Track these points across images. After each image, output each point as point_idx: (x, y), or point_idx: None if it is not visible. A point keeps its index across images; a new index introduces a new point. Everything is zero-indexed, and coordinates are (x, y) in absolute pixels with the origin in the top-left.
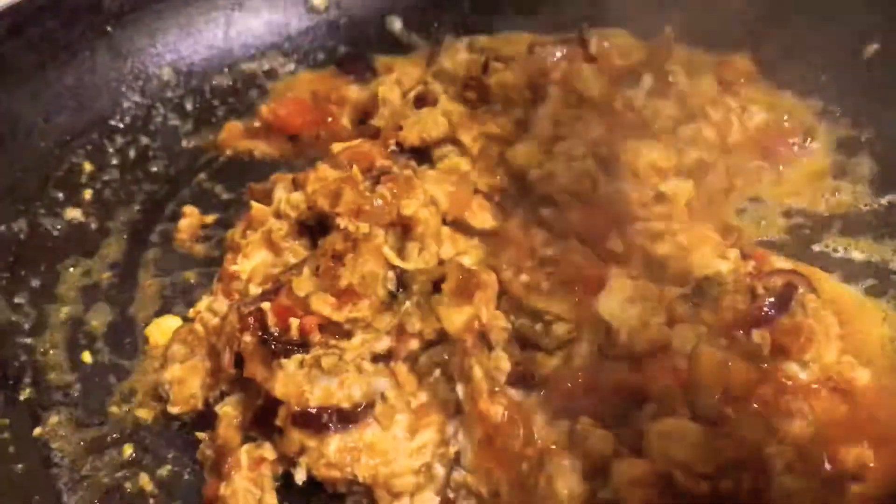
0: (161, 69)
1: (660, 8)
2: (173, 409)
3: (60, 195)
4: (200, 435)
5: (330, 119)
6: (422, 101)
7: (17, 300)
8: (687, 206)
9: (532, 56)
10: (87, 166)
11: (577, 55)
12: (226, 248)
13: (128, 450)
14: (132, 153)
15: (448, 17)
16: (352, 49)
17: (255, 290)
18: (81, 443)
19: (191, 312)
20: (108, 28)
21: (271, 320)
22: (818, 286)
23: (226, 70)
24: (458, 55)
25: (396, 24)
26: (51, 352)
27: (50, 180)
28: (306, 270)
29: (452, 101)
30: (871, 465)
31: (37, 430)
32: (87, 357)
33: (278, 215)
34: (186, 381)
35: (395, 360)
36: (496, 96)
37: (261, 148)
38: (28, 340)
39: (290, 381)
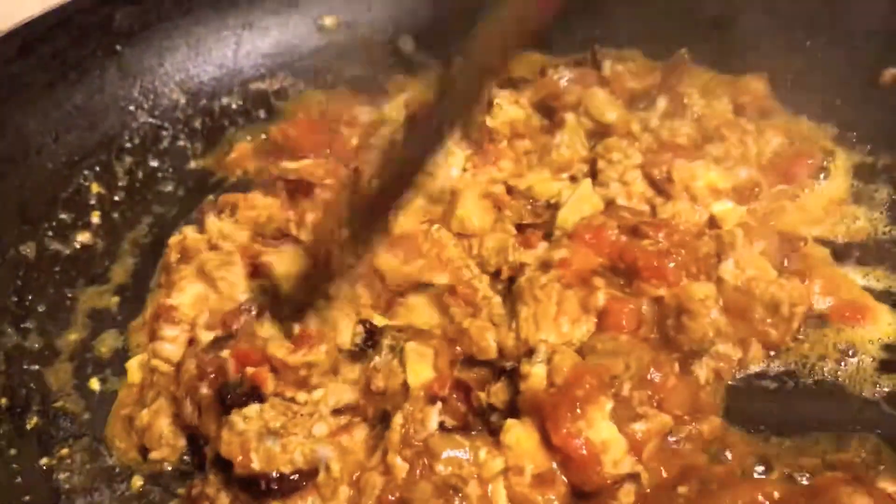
0: (170, 89)
1: (673, 29)
2: (154, 456)
3: (69, 217)
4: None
5: (339, 141)
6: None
7: (24, 325)
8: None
9: (544, 79)
10: (96, 187)
11: (590, 77)
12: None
13: (137, 482)
14: (141, 174)
15: (460, 38)
16: (363, 69)
17: (205, 335)
18: (90, 474)
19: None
20: (118, 47)
21: (231, 367)
22: None
23: (235, 90)
24: None
25: (408, 45)
26: (59, 379)
27: (58, 202)
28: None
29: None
30: None
31: (44, 460)
32: (94, 384)
33: (211, 245)
34: (154, 426)
35: (356, 417)
36: (501, 135)
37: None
38: (36, 367)
39: (235, 439)
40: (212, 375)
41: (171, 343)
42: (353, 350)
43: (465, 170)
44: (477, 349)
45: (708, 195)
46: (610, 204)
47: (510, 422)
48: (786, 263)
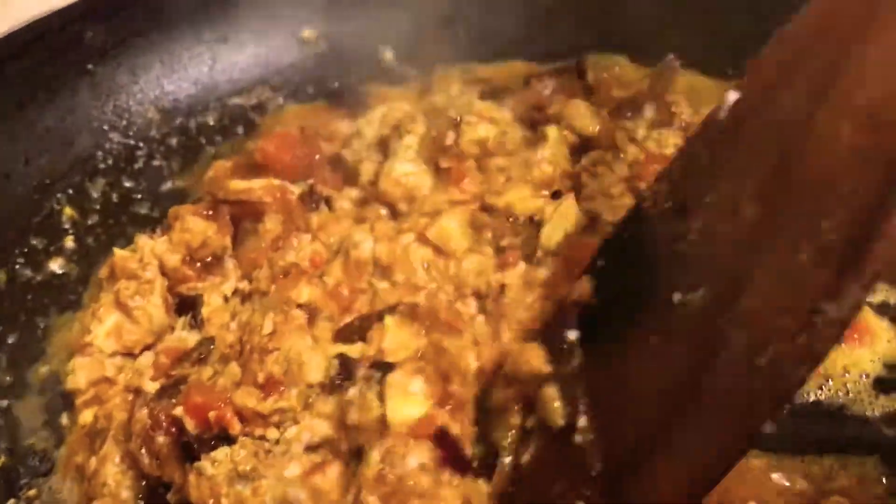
0: (145, 107)
1: (661, 33)
2: None
3: (41, 243)
4: None
5: (318, 156)
6: (385, 144)
7: None
8: None
9: (527, 90)
10: (69, 211)
11: (574, 87)
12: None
13: None
14: (115, 196)
15: (441, 47)
16: (343, 81)
17: (150, 385)
18: None
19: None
20: (90, 66)
21: (189, 423)
22: None
23: (212, 106)
24: (450, 88)
25: (388, 56)
26: (29, 414)
27: (30, 227)
28: (232, 366)
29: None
30: None
31: (10, 502)
32: (65, 419)
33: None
34: (100, 473)
35: (331, 455)
36: (467, 154)
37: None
38: (5, 402)
39: (204, 484)
40: (166, 425)
41: (81, 371)
42: (327, 383)
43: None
44: (455, 370)
45: None
46: (595, 220)
47: None
48: None
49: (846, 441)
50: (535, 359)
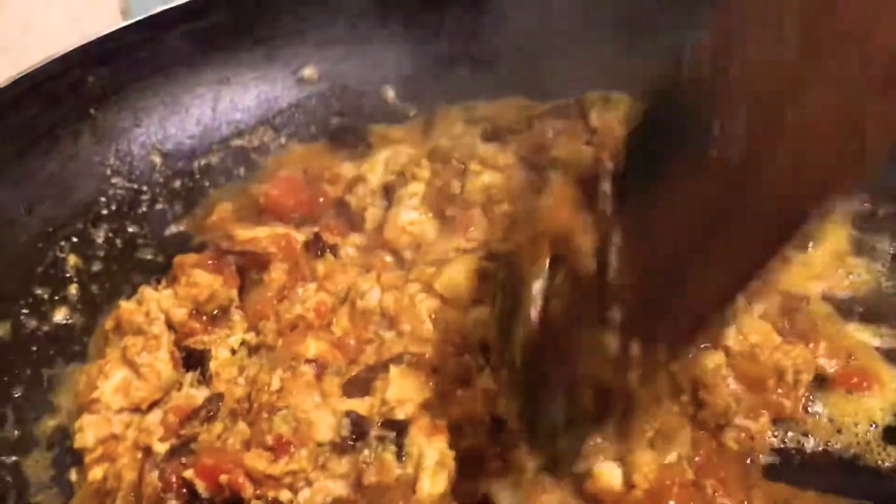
0: (147, 150)
1: (663, 67)
2: None
3: (45, 292)
4: None
5: (322, 200)
6: (390, 191)
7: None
8: None
9: (531, 131)
10: (73, 259)
11: (577, 128)
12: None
13: None
14: (119, 242)
15: (443, 86)
16: (344, 121)
17: (160, 446)
18: None
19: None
20: (91, 111)
21: (200, 486)
22: None
23: (214, 148)
24: (453, 128)
25: (390, 94)
26: (37, 470)
27: (34, 277)
28: (240, 425)
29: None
30: None
31: None
32: (74, 475)
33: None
34: None
35: None
36: (472, 202)
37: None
38: (13, 458)
39: None
40: (177, 488)
41: (89, 428)
42: (339, 443)
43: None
44: (468, 421)
45: None
46: None
47: None
48: (786, 325)
49: (861, 492)
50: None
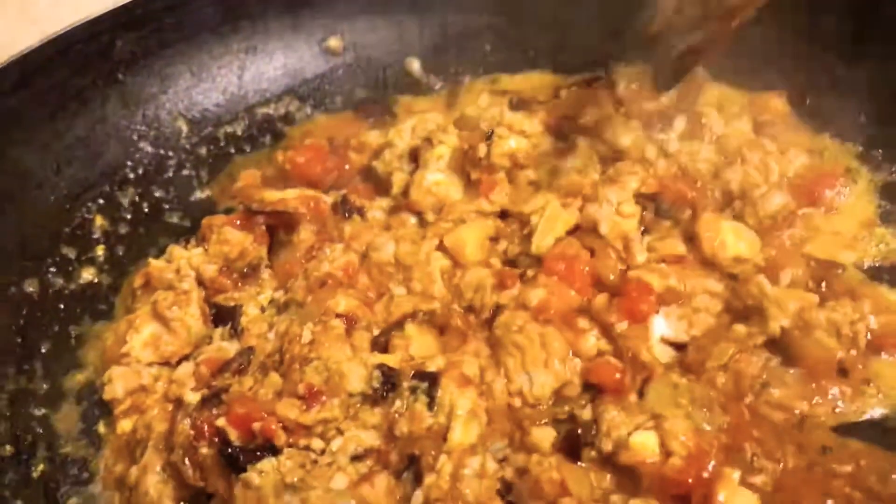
0: (174, 117)
1: None
2: None
3: (72, 252)
4: None
5: (347, 167)
6: (417, 154)
7: (28, 367)
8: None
9: (557, 101)
10: (100, 221)
11: (604, 98)
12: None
13: None
14: (145, 205)
15: (468, 58)
16: (370, 92)
17: (192, 395)
18: None
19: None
20: (119, 76)
21: (233, 434)
22: None
23: (240, 116)
24: (479, 99)
25: (415, 66)
26: (66, 423)
27: (61, 236)
28: (272, 376)
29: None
30: None
31: None
32: (102, 428)
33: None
34: (141, 482)
35: (378, 465)
36: (498, 166)
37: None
38: (42, 411)
39: (250, 496)
40: (209, 436)
41: (118, 381)
42: (370, 394)
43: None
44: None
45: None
46: (587, 228)
47: (634, 503)
48: (824, 289)
49: None
50: None
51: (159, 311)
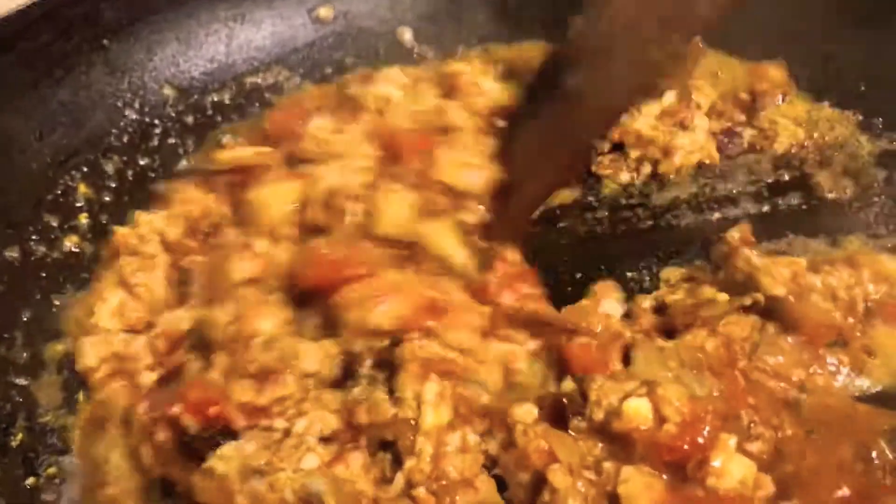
0: (160, 84)
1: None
2: (110, 492)
3: (55, 220)
4: None
5: None
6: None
7: (8, 335)
8: None
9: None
10: (83, 188)
11: None
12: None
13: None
14: (130, 173)
15: (462, 28)
16: (360, 62)
17: (147, 376)
18: (79, 495)
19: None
20: (105, 42)
21: (189, 421)
22: None
23: (228, 84)
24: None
25: (407, 36)
26: (46, 393)
27: (43, 204)
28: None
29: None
30: None
31: (30, 480)
32: (82, 397)
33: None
34: (108, 460)
35: (342, 445)
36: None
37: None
38: (22, 380)
39: (212, 485)
40: (168, 418)
41: (91, 350)
42: (332, 378)
43: None
44: None
45: None
46: None
47: (627, 470)
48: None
49: None
50: None
51: (124, 278)
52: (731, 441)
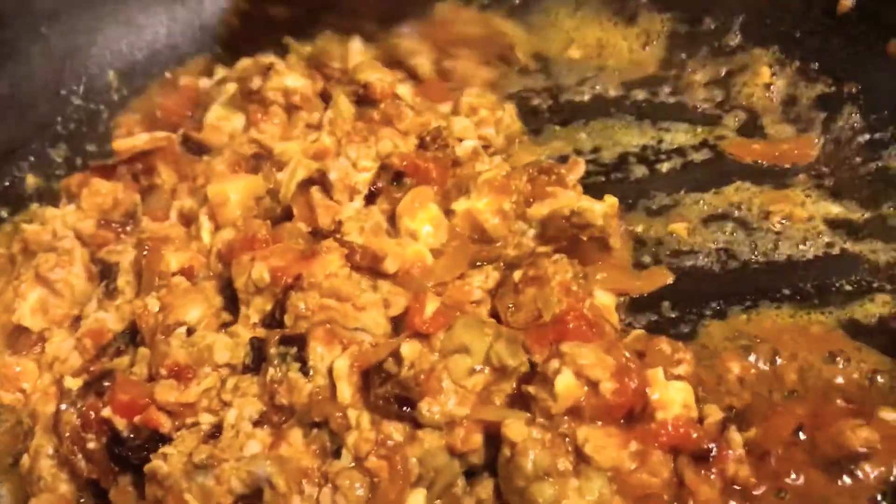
0: (102, 70)
1: None
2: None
3: (5, 212)
4: None
5: None
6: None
7: None
8: None
9: None
10: (32, 179)
11: None
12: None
13: None
14: (79, 161)
15: None
16: None
17: (71, 381)
18: None
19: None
20: (43, 30)
21: (120, 424)
22: None
23: (171, 66)
24: None
25: None
26: None
27: None
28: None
29: None
30: None
31: None
32: None
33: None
34: (34, 468)
35: (278, 426)
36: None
37: None
38: None
39: (158, 491)
40: (96, 426)
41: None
42: (245, 366)
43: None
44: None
45: None
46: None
47: (584, 431)
48: None
49: None
50: None
51: (42, 275)
52: (659, 372)
